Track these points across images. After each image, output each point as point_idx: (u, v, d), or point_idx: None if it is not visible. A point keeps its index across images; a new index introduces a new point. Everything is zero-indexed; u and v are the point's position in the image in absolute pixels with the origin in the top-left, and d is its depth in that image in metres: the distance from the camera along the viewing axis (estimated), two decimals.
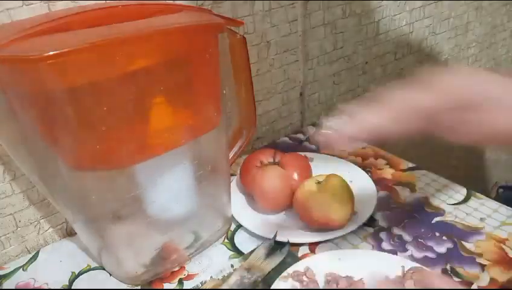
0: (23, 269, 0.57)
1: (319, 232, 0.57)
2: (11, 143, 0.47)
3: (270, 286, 0.49)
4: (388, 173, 0.69)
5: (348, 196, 0.56)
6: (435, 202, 0.62)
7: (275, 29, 0.75)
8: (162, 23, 0.45)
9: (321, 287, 0.49)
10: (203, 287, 0.52)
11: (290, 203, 0.60)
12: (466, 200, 0.62)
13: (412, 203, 0.62)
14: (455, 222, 0.59)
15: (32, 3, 0.52)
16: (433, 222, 0.59)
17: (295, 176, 0.61)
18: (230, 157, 0.60)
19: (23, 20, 0.50)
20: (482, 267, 0.52)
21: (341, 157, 0.72)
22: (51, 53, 0.36)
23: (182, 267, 0.55)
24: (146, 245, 0.52)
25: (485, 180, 1.33)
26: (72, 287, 0.54)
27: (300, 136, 0.83)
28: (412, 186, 0.66)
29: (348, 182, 0.58)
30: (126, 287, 0.53)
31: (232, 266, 0.54)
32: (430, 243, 0.55)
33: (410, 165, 0.71)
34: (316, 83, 0.86)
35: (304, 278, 0.49)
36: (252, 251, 0.55)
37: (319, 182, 0.57)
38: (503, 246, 0.54)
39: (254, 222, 0.60)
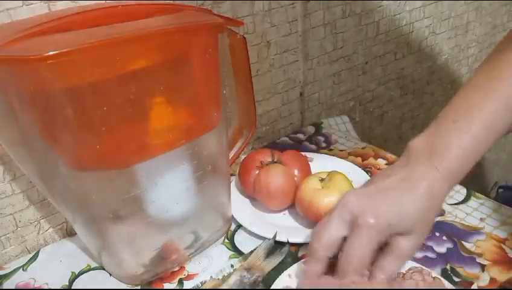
0: (23, 269, 0.57)
1: None
2: (11, 143, 0.47)
3: (270, 286, 0.49)
4: None
5: None
6: None
7: (274, 29, 0.75)
8: (162, 23, 0.45)
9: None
10: (203, 287, 0.52)
11: (292, 201, 0.60)
12: (466, 200, 0.62)
13: None
14: (455, 222, 0.59)
15: (32, 3, 0.52)
16: None
17: (296, 173, 0.62)
18: (230, 158, 0.60)
19: (23, 20, 0.50)
20: (482, 267, 0.52)
21: (341, 158, 0.72)
22: (51, 53, 0.36)
23: (182, 267, 0.55)
24: (146, 245, 0.52)
25: (485, 180, 1.33)
26: (72, 287, 0.54)
27: (301, 136, 0.83)
28: None
29: None
30: (126, 287, 0.53)
31: (232, 266, 0.54)
32: (430, 243, 0.55)
33: None
34: (316, 83, 0.86)
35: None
36: (252, 251, 0.55)
37: (322, 179, 0.58)
38: (503, 246, 0.54)
39: (254, 222, 0.59)
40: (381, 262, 0.44)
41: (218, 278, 0.52)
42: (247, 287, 0.49)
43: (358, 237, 0.42)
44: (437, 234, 0.57)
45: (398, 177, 0.45)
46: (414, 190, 0.44)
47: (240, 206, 0.63)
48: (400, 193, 0.44)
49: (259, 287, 0.50)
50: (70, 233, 0.63)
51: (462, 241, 0.55)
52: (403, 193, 0.44)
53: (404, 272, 0.46)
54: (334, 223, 0.44)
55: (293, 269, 0.50)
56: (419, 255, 0.53)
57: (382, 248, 0.44)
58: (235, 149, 0.61)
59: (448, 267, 0.52)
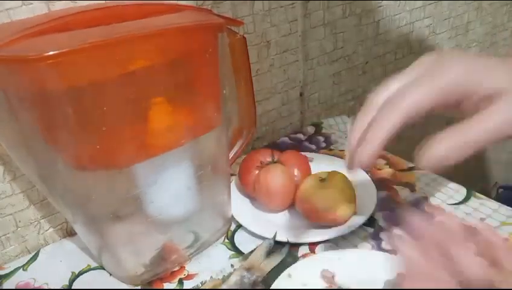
0: (23, 269, 0.57)
1: (319, 232, 0.57)
2: (11, 143, 0.47)
3: (270, 286, 0.49)
4: (388, 173, 0.69)
5: (351, 192, 0.57)
6: (435, 202, 0.62)
7: (274, 29, 0.75)
8: (162, 23, 0.45)
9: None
10: (203, 287, 0.52)
11: (292, 201, 0.60)
12: (466, 200, 0.62)
13: (412, 203, 0.62)
14: None
15: (32, 3, 0.52)
16: None
17: (296, 172, 0.62)
18: (230, 158, 0.60)
19: (23, 20, 0.50)
20: None
21: (341, 157, 0.72)
22: (51, 53, 0.36)
23: (182, 267, 0.55)
24: (146, 245, 0.52)
25: (485, 180, 1.33)
26: (72, 287, 0.54)
27: (300, 136, 0.83)
28: (412, 187, 0.66)
29: None
30: (126, 287, 0.53)
31: (232, 266, 0.54)
32: None
33: (410, 165, 0.71)
34: (316, 83, 0.86)
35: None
36: (252, 251, 0.55)
37: (321, 179, 0.58)
38: None
39: (254, 222, 0.59)
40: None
41: (218, 278, 0.52)
42: (247, 287, 0.49)
43: (425, 78, 0.35)
44: None
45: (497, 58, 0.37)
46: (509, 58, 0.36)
47: (240, 206, 0.63)
48: (490, 59, 0.36)
49: (259, 287, 0.50)
50: (70, 233, 0.63)
51: None
52: (493, 60, 0.36)
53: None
54: (398, 77, 0.37)
55: (293, 269, 0.50)
56: None
57: None
58: (235, 149, 0.61)
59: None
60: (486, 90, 0.34)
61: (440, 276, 0.32)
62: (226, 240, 0.59)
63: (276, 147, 0.77)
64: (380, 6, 0.90)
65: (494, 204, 0.61)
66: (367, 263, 0.50)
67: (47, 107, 0.40)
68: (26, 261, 0.58)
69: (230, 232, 0.60)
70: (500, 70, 0.35)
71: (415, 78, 0.36)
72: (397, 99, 0.35)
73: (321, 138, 0.81)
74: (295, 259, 0.54)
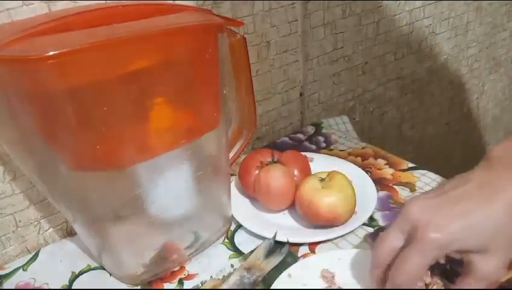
0: (23, 269, 0.57)
1: (318, 232, 0.57)
2: (11, 143, 0.47)
3: (270, 286, 0.49)
4: (388, 173, 0.69)
5: (351, 192, 0.57)
6: None
7: (275, 29, 0.75)
8: (162, 23, 0.45)
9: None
10: (203, 287, 0.52)
11: (292, 201, 0.60)
12: None
13: None
14: None
15: (32, 3, 0.52)
16: None
17: (296, 172, 0.62)
18: (230, 158, 0.60)
19: (23, 20, 0.51)
20: None
21: (341, 158, 0.72)
22: (51, 53, 0.36)
23: (182, 267, 0.55)
24: (146, 245, 0.52)
25: None
26: (72, 287, 0.54)
27: (300, 136, 0.83)
28: (412, 186, 0.66)
29: None
30: (126, 287, 0.53)
31: (232, 266, 0.54)
32: None
33: (410, 165, 0.71)
34: (316, 83, 0.86)
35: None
36: (252, 251, 0.55)
37: (322, 179, 0.58)
38: None
39: (254, 222, 0.60)
40: (460, 284, 0.40)
41: (218, 278, 0.52)
42: (247, 287, 0.49)
43: (413, 252, 0.38)
44: None
45: (475, 184, 0.39)
46: (491, 201, 0.38)
47: (239, 206, 0.63)
48: (473, 203, 0.38)
49: (259, 287, 0.50)
50: (70, 233, 0.63)
51: None
52: (476, 204, 0.38)
53: None
54: (392, 234, 0.41)
55: (293, 269, 0.50)
56: None
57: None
58: (235, 149, 0.61)
59: (448, 267, 0.52)
60: (472, 246, 0.38)
61: None
62: (226, 240, 0.59)
63: (276, 147, 0.77)
64: (380, 7, 0.90)
65: None
66: (367, 263, 0.50)
67: (47, 107, 0.40)
68: (26, 261, 0.58)
69: (230, 232, 0.60)
70: (481, 225, 0.38)
71: (407, 239, 0.40)
72: (396, 275, 0.40)
73: (321, 138, 0.81)
74: (295, 259, 0.54)
